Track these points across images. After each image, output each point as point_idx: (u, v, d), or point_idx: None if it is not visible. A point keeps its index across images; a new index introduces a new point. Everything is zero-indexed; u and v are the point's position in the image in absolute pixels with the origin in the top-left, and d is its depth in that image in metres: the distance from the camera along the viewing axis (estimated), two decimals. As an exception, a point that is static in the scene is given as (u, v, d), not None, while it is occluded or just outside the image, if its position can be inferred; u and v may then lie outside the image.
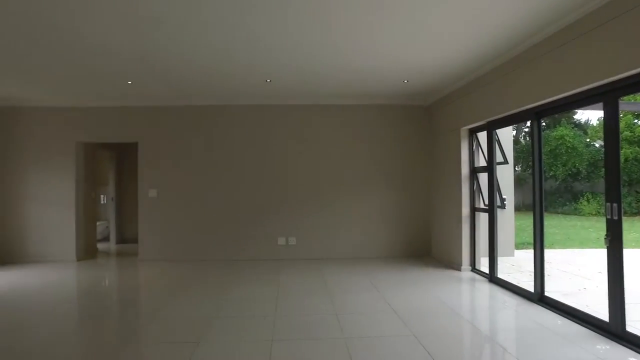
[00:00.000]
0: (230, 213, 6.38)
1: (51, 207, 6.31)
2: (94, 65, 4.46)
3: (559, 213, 14.99)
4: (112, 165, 8.28)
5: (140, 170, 6.37)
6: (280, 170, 6.42)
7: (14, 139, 6.33)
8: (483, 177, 5.24)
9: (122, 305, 4.17)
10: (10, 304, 4.15)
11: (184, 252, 6.34)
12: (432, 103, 6.36)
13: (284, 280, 5.07)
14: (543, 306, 3.81)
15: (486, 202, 5.12)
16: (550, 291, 4.00)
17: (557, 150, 15.75)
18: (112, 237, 8.27)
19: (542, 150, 3.93)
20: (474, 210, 5.38)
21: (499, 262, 4.88)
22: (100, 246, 7.83)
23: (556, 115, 16.30)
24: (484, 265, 5.22)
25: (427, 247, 6.51)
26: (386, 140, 6.52)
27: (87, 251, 6.77)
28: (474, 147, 5.45)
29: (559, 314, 3.60)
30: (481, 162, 5.39)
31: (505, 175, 6.28)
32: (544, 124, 15.16)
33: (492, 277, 4.79)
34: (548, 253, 5.01)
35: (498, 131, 4.92)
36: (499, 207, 4.94)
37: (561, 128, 16.40)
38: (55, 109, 6.34)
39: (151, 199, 6.34)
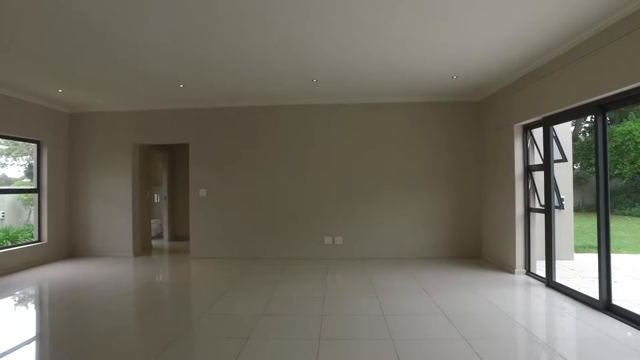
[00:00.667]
0: (277, 212, 6.47)
1: (111, 206, 6.71)
2: (149, 71, 4.68)
3: (625, 215, 13.91)
4: (165, 166, 8.68)
5: (191, 171, 6.62)
6: (326, 169, 6.43)
7: (80, 142, 6.80)
8: (539, 176, 4.96)
9: (176, 300, 4.35)
10: (78, 293, 4.46)
11: (233, 250, 6.52)
12: (484, 99, 6.11)
13: (330, 279, 5.07)
14: (610, 315, 3.53)
15: (542, 202, 4.84)
16: (618, 299, 3.70)
17: (624, 147, 14.58)
18: (165, 234, 8.66)
19: (607, 147, 3.65)
20: (528, 210, 5.11)
21: (557, 266, 4.59)
22: (154, 243, 8.23)
23: (623, 109, 15.13)
24: (539, 268, 4.94)
25: (477, 248, 6.26)
26: (434, 138, 6.35)
27: (143, 248, 7.14)
28: (528, 144, 5.17)
29: (628, 325, 3.32)
30: (536, 159, 5.11)
31: (563, 174, 5.91)
32: (608, 118, 14.07)
33: (549, 282, 4.52)
34: (615, 258, 4.65)
35: (555, 127, 4.63)
36: (556, 207, 4.65)
37: (629, 122, 15.18)
38: (115, 114, 6.73)
39: (201, 198, 6.57)
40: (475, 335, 3.14)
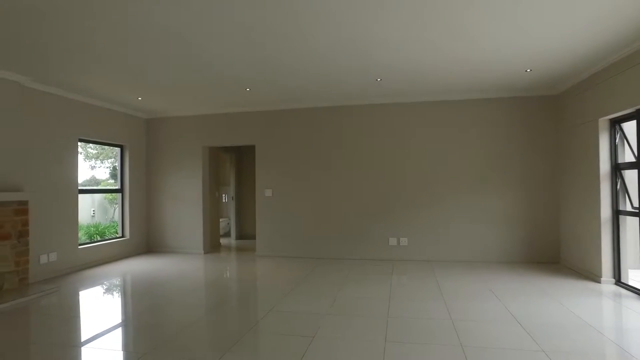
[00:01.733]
0: (341, 212, 6.48)
1: (183, 205, 7.13)
2: (219, 76, 4.90)
3: None
4: (232, 167, 9.05)
5: (257, 171, 6.83)
6: (391, 169, 6.32)
7: (156, 145, 7.30)
8: (631, 175, 4.47)
9: (243, 296, 4.50)
10: (156, 286, 4.78)
11: (298, 249, 6.63)
12: (562, 92, 5.65)
13: (395, 281, 4.96)
14: None
15: (635, 204, 4.36)
16: None
17: None
18: (233, 233, 9.02)
19: None
20: (617, 212, 4.62)
21: (653, 275, 4.11)
22: (222, 241, 8.61)
23: None
24: (632, 278, 4.45)
25: (555, 253, 5.79)
26: (505, 135, 5.98)
27: (212, 245, 7.50)
28: (616, 140, 4.68)
29: None
30: (627, 157, 4.61)
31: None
32: None
33: (643, 293, 4.06)
34: None
35: (650, 120, 4.15)
36: (652, 209, 4.16)
37: None
38: (187, 118, 7.15)
39: (267, 198, 6.76)
40: (555, 348, 2.89)
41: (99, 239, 6.67)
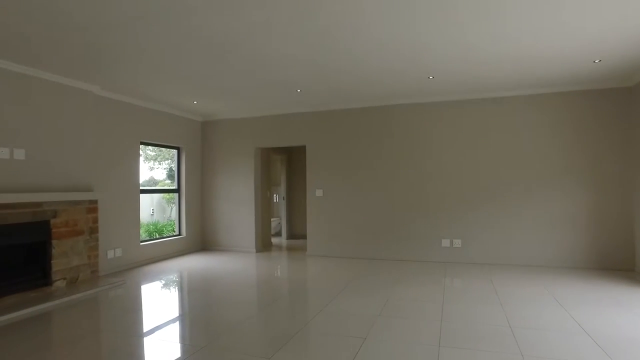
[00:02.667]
0: (393, 213, 6.37)
1: (236, 205, 7.34)
2: (271, 78, 4.99)
3: None
4: (283, 167, 9.20)
5: (308, 171, 6.89)
6: (445, 169, 6.13)
7: (210, 147, 7.59)
8: None
9: (294, 295, 4.55)
10: (210, 282, 4.96)
11: (348, 249, 6.60)
12: (637, 83, 5.18)
13: (449, 283, 4.79)
14: None
15: None
16: None
17: None
18: (284, 232, 9.17)
19: None
20: (703, 216, 4.16)
21: None
22: (274, 240, 8.76)
23: None
24: None
25: (629, 259, 5.32)
26: (572, 131, 5.59)
27: (264, 244, 7.66)
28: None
29: None
30: None
31: None
32: None
33: None
34: None
35: None
36: None
37: None
38: (239, 120, 7.36)
39: (318, 198, 6.80)
40: (632, 362, 2.65)
41: (157, 236, 7.05)
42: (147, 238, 6.77)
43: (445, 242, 6.09)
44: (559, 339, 3.06)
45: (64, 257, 4.68)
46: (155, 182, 7.61)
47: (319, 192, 6.79)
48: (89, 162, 5.15)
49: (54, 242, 4.57)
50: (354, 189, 6.59)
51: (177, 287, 5.02)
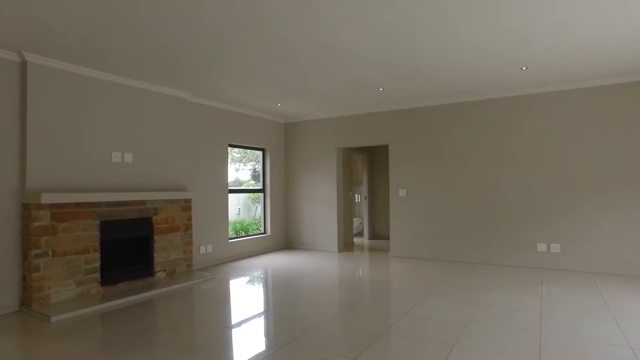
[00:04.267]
0: (481, 214, 5.97)
1: (318, 204, 7.43)
2: (354, 78, 4.96)
3: None
4: (365, 167, 9.12)
5: (390, 171, 6.74)
6: (540, 166, 5.58)
7: (293, 148, 7.79)
8: None
9: (377, 296, 4.45)
10: (294, 280, 5.07)
11: (433, 251, 6.33)
12: None
13: (546, 292, 4.34)
14: None
15: None
16: None
17: None
18: (365, 232, 9.08)
19: None
20: None
21: None
22: (355, 240, 8.72)
23: None
24: None
25: None
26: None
27: (346, 244, 7.65)
28: None
29: None
30: None
31: None
32: None
33: None
34: None
35: None
36: None
37: None
38: (320, 121, 7.45)
39: (401, 198, 6.61)
40: None
41: (243, 234, 7.40)
42: (235, 235, 7.14)
43: (542, 247, 5.54)
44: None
45: (163, 251, 5.11)
46: (241, 183, 8.00)
47: (402, 192, 6.60)
48: (183, 163, 5.57)
49: (155, 237, 5.01)
50: (439, 189, 6.30)
51: (262, 284, 5.20)
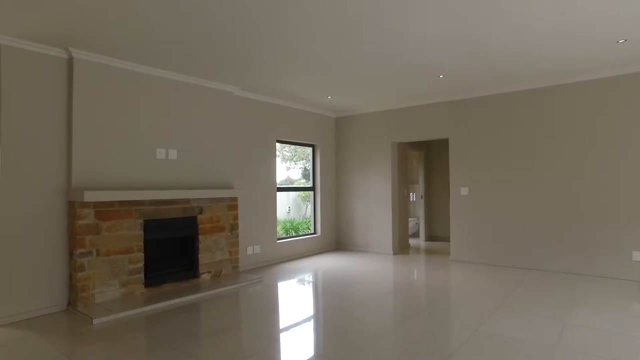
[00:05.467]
0: (560, 214, 5.21)
1: (372, 204, 6.96)
2: (409, 64, 4.45)
3: None
4: (421, 164, 8.50)
5: (451, 167, 6.12)
6: (630, 157, 4.74)
7: (345, 143, 7.38)
8: None
9: (438, 308, 3.92)
10: (346, 284, 4.66)
11: (501, 256, 5.64)
12: None
13: (653, 312, 3.59)
14: None
15: None
16: None
17: None
18: (421, 233, 8.47)
19: None
20: None
21: None
22: (411, 242, 8.13)
23: None
24: None
25: None
26: None
27: (401, 246, 7.12)
28: None
29: None
30: None
31: None
32: None
33: None
34: None
35: None
36: None
37: None
38: (374, 114, 6.97)
39: (463, 197, 5.97)
40: None
41: (293, 233, 7.11)
42: (284, 235, 6.86)
43: (638, 255, 4.70)
44: None
45: (208, 251, 4.91)
46: (292, 182, 7.74)
47: (464, 190, 5.96)
48: (229, 160, 5.35)
49: (200, 237, 4.82)
50: (507, 186, 5.59)
51: (312, 288, 4.84)
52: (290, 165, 8.03)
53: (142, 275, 4.24)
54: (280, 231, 6.87)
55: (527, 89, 5.43)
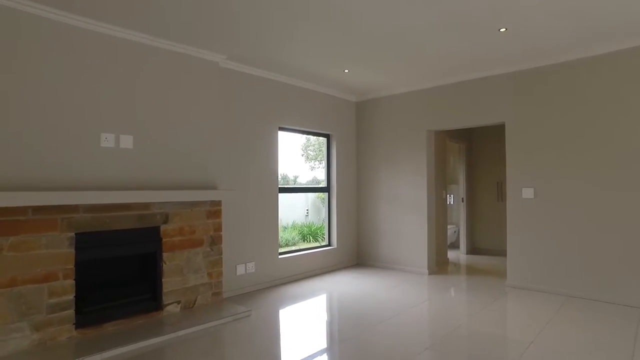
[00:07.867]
0: (671, 230, 3.62)
1: (401, 209, 5.50)
2: (457, 9, 3.01)
3: None
4: (462, 159, 6.95)
5: (508, 162, 4.58)
6: None
7: (369, 134, 5.94)
8: None
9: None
10: (366, 329, 3.24)
11: (582, 283, 4.08)
12: None
13: None
14: None
15: None
16: None
17: None
18: (462, 245, 6.94)
19: None
20: None
21: None
22: (449, 254, 6.59)
23: None
24: None
25: None
26: None
27: (438, 262, 5.64)
28: None
29: None
30: None
31: None
32: None
33: None
34: None
35: None
36: None
37: None
38: (404, 95, 5.50)
39: (526, 202, 4.43)
40: None
41: (311, 239, 5.90)
42: (290, 249, 5.49)
43: None
44: None
45: (177, 274, 3.61)
46: (318, 182, 6.49)
47: (527, 192, 4.42)
48: (211, 153, 4.03)
49: (165, 254, 3.53)
50: (589, 188, 4.03)
51: (323, 327, 3.47)
52: (314, 165, 6.76)
53: (71, 312, 2.98)
54: (296, 237, 5.58)
55: (626, 47, 3.85)
